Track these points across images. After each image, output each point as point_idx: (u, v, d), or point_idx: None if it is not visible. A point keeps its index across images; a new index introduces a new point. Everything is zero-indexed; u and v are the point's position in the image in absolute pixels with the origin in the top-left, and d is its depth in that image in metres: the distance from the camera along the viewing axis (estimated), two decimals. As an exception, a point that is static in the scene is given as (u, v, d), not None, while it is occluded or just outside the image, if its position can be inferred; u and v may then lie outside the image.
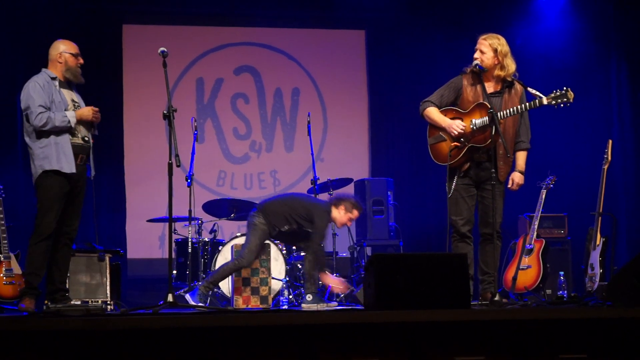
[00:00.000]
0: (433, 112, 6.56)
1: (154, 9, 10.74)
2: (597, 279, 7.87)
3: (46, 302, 6.26)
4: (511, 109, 6.34)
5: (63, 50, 6.57)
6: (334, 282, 7.83)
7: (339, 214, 7.76)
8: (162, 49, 6.47)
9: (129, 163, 10.29)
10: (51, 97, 6.38)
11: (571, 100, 6.33)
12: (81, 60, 6.63)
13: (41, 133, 6.33)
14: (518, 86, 6.53)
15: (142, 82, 10.53)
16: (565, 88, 6.34)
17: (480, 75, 6.39)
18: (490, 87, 6.51)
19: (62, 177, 6.34)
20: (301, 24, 11.22)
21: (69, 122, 6.35)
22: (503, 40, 6.48)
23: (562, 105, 6.34)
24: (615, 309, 5.53)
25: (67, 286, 6.77)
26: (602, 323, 5.15)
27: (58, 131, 6.33)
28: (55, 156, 6.31)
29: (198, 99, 10.95)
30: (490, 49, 6.44)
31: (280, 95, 11.15)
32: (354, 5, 10.72)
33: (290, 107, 11.15)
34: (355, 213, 7.83)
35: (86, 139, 6.51)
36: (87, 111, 6.47)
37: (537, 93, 6.35)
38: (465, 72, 6.54)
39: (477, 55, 6.45)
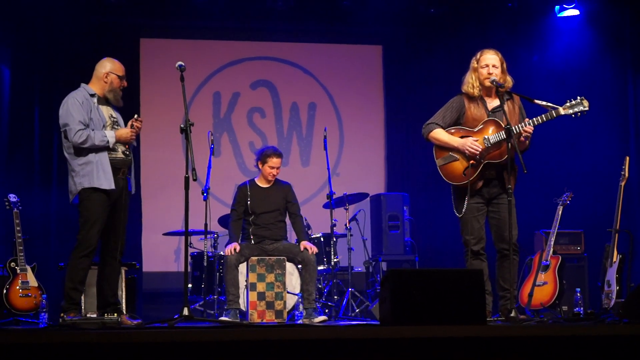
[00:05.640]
0: (441, 133, 6.53)
1: (171, 23, 10.77)
2: (614, 296, 7.83)
3: (62, 314, 6.26)
4: (527, 122, 6.31)
5: (111, 70, 6.55)
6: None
7: (263, 169, 8.16)
8: (179, 63, 6.51)
9: (145, 176, 10.30)
10: (89, 114, 6.37)
11: (587, 109, 6.28)
12: (125, 83, 6.64)
13: (80, 150, 6.34)
14: (515, 97, 6.52)
15: (159, 96, 10.56)
16: (579, 97, 6.31)
17: (497, 91, 6.36)
18: (490, 101, 6.49)
19: (103, 193, 6.35)
20: (318, 38, 11.25)
21: (108, 142, 6.35)
22: None
23: (579, 114, 6.29)
24: (632, 326, 5.49)
25: (118, 299, 6.81)
26: (618, 340, 5.11)
27: (97, 149, 6.35)
28: (95, 174, 6.31)
29: (215, 113, 10.98)
30: (500, 63, 6.45)
31: (296, 109, 11.16)
32: (371, 20, 10.72)
33: (307, 122, 11.16)
34: (270, 161, 8.13)
35: (126, 153, 6.52)
36: (126, 134, 6.46)
37: (549, 104, 6.31)
38: (466, 92, 6.53)
39: (491, 70, 6.42)
